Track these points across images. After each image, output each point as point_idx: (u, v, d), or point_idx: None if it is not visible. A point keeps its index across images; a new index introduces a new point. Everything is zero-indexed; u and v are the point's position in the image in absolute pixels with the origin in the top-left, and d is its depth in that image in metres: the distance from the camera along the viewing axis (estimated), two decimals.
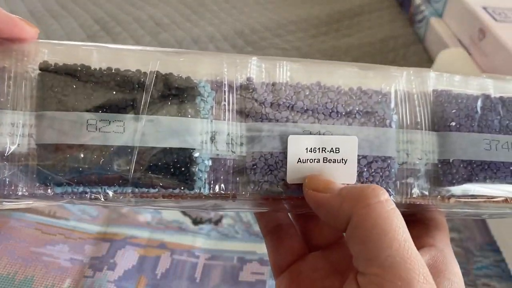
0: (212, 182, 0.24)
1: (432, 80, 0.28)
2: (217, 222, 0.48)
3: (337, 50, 0.62)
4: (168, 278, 0.40)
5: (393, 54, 0.61)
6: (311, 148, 0.25)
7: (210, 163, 0.24)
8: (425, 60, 0.61)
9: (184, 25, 0.65)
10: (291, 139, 0.25)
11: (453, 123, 0.27)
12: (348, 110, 0.26)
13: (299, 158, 0.25)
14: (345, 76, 0.27)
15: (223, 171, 0.25)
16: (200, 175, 0.24)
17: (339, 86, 0.26)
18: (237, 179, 0.25)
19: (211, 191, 0.24)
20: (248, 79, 0.26)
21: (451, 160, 0.27)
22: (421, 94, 0.28)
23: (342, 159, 0.25)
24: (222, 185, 0.25)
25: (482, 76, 0.29)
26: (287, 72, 0.26)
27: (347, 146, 0.25)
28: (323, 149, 0.25)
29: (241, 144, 0.25)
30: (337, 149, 0.25)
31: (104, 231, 0.44)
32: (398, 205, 0.26)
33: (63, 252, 0.41)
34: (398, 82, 0.27)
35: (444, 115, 0.27)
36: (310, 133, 0.25)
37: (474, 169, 0.27)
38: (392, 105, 0.27)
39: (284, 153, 0.25)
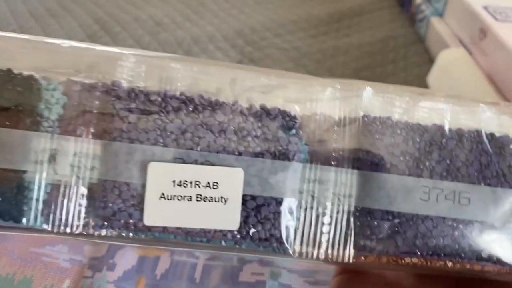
0: (49, 214, 0.19)
1: (366, 101, 0.21)
2: None
3: (337, 50, 0.60)
4: (167, 278, 0.40)
5: (393, 54, 0.57)
6: (180, 181, 0.19)
7: (48, 190, 0.19)
8: (426, 60, 0.56)
9: (184, 25, 0.64)
10: (153, 167, 0.19)
11: (382, 162, 0.21)
12: (241, 134, 0.20)
13: (163, 194, 0.19)
14: (248, 88, 0.21)
15: (66, 202, 0.19)
16: (31, 204, 0.19)
17: (236, 101, 0.20)
18: (84, 213, 0.19)
19: (47, 226, 0.19)
20: (114, 83, 0.20)
21: (372, 210, 0.21)
22: (347, 119, 0.21)
23: (222, 198, 0.19)
24: (63, 219, 0.19)
25: (440, 98, 0.22)
26: (179, 79, 0.20)
27: (229, 182, 0.19)
28: (197, 183, 0.19)
29: (92, 168, 0.19)
30: (215, 184, 0.19)
31: None
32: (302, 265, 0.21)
33: (62, 253, 0.41)
34: (316, 101, 0.21)
35: (373, 150, 0.21)
36: (184, 162, 0.19)
37: (402, 224, 0.21)
38: (302, 132, 0.20)
39: (145, 185, 0.19)
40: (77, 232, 0.19)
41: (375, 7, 0.68)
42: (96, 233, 0.19)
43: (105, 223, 0.19)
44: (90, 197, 0.19)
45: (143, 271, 0.40)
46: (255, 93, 0.21)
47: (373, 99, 0.22)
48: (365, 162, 0.21)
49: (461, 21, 0.49)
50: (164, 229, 0.19)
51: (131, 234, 0.20)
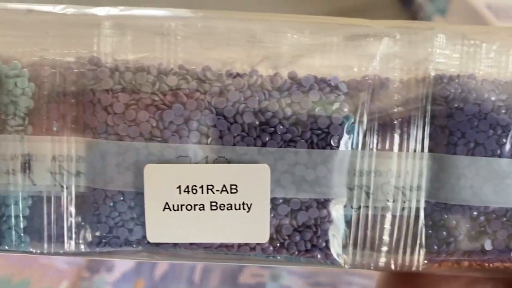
0: (34, 233, 0.15)
1: (438, 53, 0.15)
2: None
3: None
4: (166, 280, 0.40)
5: None
6: (187, 187, 0.15)
7: (28, 204, 0.15)
8: None
9: None
10: (150, 171, 0.15)
11: (463, 140, 0.15)
12: (264, 117, 0.15)
13: (167, 203, 0.15)
14: (271, 51, 0.15)
15: (54, 217, 0.15)
16: (11, 223, 0.15)
17: (254, 71, 0.15)
18: (75, 229, 0.15)
19: (34, 248, 0.16)
20: (91, 60, 0.15)
21: (449, 205, 0.15)
22: (412, 83, 0.15)
23: (244, 204, 0.15)
24: (53, 238, 0.16)
25: None
26: (177, 44, 0.15)
27: (252, 183, 0.15)
28: (210, 187, 0.15)
29: (78, 174, 0.15)
30: (233, 187, 0.15)
31: None
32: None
33: None
34: (368, 59, 0.15)
35: (449, 124, 0.15)
36: (191, 161, 0.15)
37: (491, 222, 0.15)
38: (347, 107, 0.15)
39: (143, 194, 0.15)
40: (70, 251, 0.16)
41: (377, 5, 0.67)
42: (93, 251, 0.16)
43: (102, 240, 0.15)
44: (80, 209, 0.15)
45: (142, 273, 0.39)
46: (281, 56, 0.15)
47: (448, 49, 0.15)
48: (439, 142, 0.15)
49: (464, 19, 0.49)
50: (176, 245, 0.15)
51: (135, 251, 0.16)
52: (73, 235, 0.15)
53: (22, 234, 0.15)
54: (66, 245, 0.15)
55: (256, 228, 0.15)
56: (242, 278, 0.39)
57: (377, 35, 0.15)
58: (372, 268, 0.16)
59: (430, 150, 0.15)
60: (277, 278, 0.35)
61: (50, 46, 0.15)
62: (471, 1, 0.48)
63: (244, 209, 0.15)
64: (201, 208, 0.15)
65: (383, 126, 0.15)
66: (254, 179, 0.15)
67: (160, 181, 0.15)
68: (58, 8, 0.15)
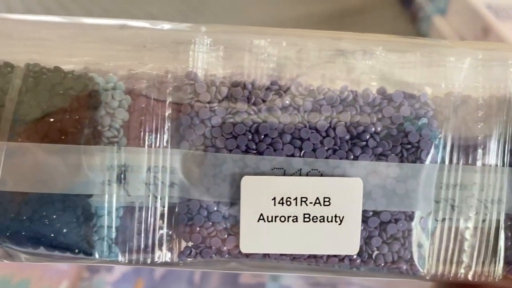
0: (124, 243, 0.16)
1: None
2: None
3: None
4: (166, 281, 0.39)
5: None
6: (282, 198, 0.15)
7: (120, 214, 0.15)
8: None
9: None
10: (247, 182, 0.15)
11: None
12: (356, 132, 0.15)
13: (262, 214, 0.15)
14: (360, 67, 0.16)
15: (144, 228, 0.16)
16: (103, 233, 0.15)
17: (345, 87, 0.15)
18: (166, 240, 0.16)
19: (123, 257, 0.16)
20: (188, 75, 0.15)
21: None
22: (494, 100, 0.16)
23: (336, 217, 0.15)
24: (142, 248, 0.16)
25: None
26: (266, 61, 0.16)
27: (345, 195, 0.15)
28: (304, 200, 0.15)
29: (172, 185, 0.15)
30: (327, 199, 0.15)
31: None
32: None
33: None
34: (453, 76, 0.16)
35: None
36: (285, 173, 0.15)
37: None
38: (436, 122, 0.15)
39: (238, 204, 0.15)
40: (160, 262, 0.16)
41: (377, 5, 0.67)
42: (182, 262, 0.16)
43: (193, 250, 0.16)
44: (172, 220, 0.16)
45: (142, 273, 0.38)
46: (370, 72, 0.16)
47: None
48: None
49: (464, 19, 0.50)
50: (265, 255, 0.16)
51: (225, 262, 0.16)
52: (164, 246, 0.16)
53: (112, 245, 0.16)
54: (156, 256, 0.16)
55: (347, 240, 0.15)
56: (242, 278, 0.38)
57: (460, 54, 0.16)
58: (450, 278, 0.16)
59: (510, 165, 0.16)
60: (277, 278, 0.35)
61: (146, 60, 0.15)
62: (471, 1, 0.49)
63: (336, 221, 0.15)
64: (295, 220, 0.15)
65: (467, 141, 0.16)
66: (347, 192, 0.15)
67: (256, 193, 0.15)
68: (154, 24, 0.16)
